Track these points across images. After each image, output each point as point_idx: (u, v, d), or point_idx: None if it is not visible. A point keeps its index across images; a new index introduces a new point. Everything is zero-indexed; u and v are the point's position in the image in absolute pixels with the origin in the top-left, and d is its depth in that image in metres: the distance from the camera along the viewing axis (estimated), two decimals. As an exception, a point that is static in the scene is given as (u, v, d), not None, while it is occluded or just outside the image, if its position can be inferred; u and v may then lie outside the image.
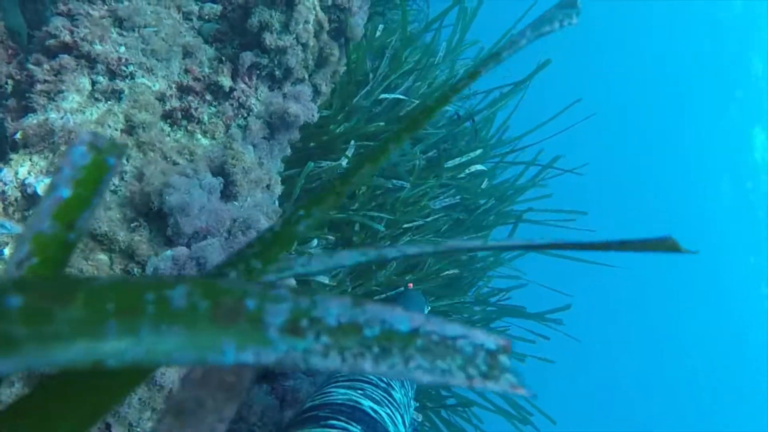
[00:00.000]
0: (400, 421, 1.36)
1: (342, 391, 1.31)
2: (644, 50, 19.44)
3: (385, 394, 1.40)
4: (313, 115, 2.08)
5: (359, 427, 1.14)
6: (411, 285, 2.82)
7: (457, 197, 2.84)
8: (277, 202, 2.06)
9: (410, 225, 2.72)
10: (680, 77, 19.40)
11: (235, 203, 1.85)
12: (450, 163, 2.86)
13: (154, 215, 1.72)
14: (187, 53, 2.07)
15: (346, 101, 2.68)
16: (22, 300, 0.23)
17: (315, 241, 2.45)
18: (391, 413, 1.33)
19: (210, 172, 1.92)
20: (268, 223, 1.94)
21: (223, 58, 2.12)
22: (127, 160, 1.86)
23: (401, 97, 2.67)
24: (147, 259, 1.64)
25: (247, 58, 2.12)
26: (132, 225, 1.71)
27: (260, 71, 2.17)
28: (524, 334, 3.14)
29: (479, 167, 3.03)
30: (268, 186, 2.04)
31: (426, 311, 2.64)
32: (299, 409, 1.25)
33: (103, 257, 1.64)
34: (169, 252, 1.61)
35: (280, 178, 2.13)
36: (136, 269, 1.64)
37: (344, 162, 2.50)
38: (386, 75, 2.62)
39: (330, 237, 2.48)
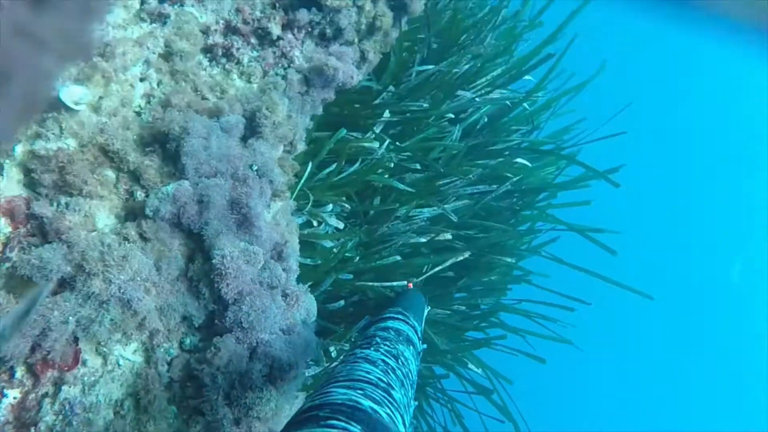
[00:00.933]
0: (400, 421, 1.35)
1: (342, 391, 1.31)
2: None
3: (385, 394, 1.39)
4: (352, 77, 2.03)
5: (359, 427, 1.13)
6: (410, 285, 2.80)
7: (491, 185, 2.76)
8: (291, 157, 2.03)
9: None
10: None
11: (253, 149, 1.81)
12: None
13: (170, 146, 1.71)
14: (242, -8, 2.04)
15: (397, 74, 2.61)
16: None
17: (330, 206, 2.41)
18: (391, 413, 1.31)
19: (242, 115, 1.90)
20: (283, 175, 1.91)
21: (278, 5, 2.08)
22: (158, 85, 1.85)
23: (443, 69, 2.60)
24: (152, 186, 1.63)
25: (303, 11, 2.08)
26: (147, 149, 1.70)
27: (312, 27, 2.13)
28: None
29: (522, 161, 2.94)
30: (291, 142, 2.00)
31: (426, 311, 2.60)
32: (299, 409, 1.25)
33: (110, 174, 1.64)
34: (170, 188, 1.59)
35: (305, 135, 2.09)
36: (139, 193, 1.63)
37: (371, 136, 2.44)
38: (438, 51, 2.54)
39: (346, 205, 2.43)
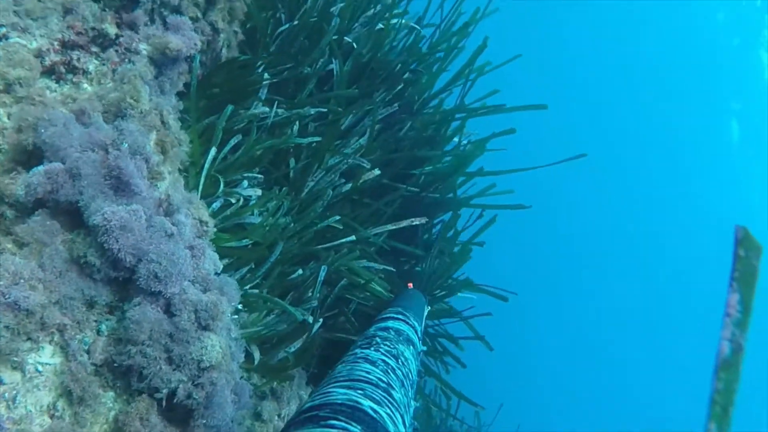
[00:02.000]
0: (400, 421, 1.35)
1: (342, 391, 1.31)
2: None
3: (385, 394, 1.39)
4: (195, 44, 2.02)
5: (359, 427, 1.14)
6: (411, 285, 2.79)
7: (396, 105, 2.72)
8: (172, 133, 2.01)
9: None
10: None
11: (121, 129, 1.79)
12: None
13: (34, 155, 1.70)
14: (67, 10, 2.06)
15: (264, 39, 2.61)
16: None
17: (245, 183, 2.38)
18: (391, 413, 1.32)
19: (104, 110, 1.90)
20: (157, 152, 1.88)
21: (107, 8, 2.10)
22: (8, 118, 1.86)
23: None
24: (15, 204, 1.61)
25: (134, 4, 2.10)
26: (11, 174, 1.69)
27: (148, 15, 2.14)
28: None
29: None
30: (162, 122, 1.99)
31: (426, 311, 2.60)
32: (299, 409, 1.25)
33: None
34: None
35: (175, 114, 2.08)
36: (8, 212, 1.61)
37: (259, 103, 2.43)
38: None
39: (259, 176, 2.40)
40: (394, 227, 2.77)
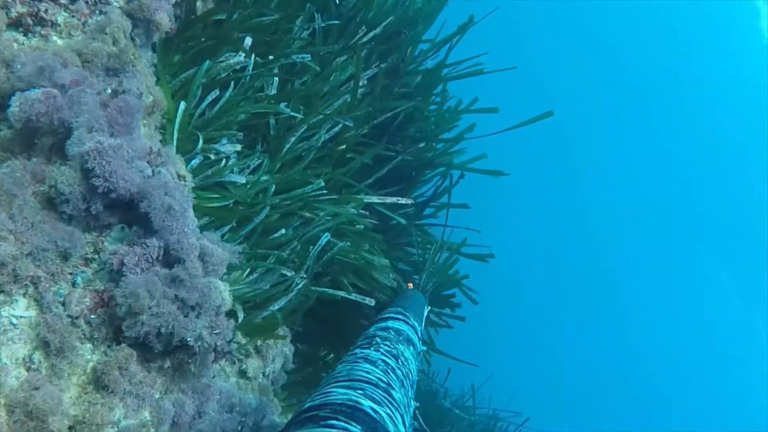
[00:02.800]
0: (400, 421, 1.36)
1: (342, 391, 1.32)
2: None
3: (385, 394, 1.40)
4: (168, -8, 1.96)
5: (359, 427, 1.14)
6: (411, 285, 2.82)
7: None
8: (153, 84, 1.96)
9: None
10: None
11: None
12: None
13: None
14: (32, -39, 1.98)
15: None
16: None
17: (224, 140, 2.34)
18: (391, 413, 1.32)
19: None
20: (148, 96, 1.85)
21: (74, -41, 2.03)
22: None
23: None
24: None
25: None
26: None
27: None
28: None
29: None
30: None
31: (426, 311, 2.61)
32: (299, 409, 1.26)
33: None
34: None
35: (148, 68, 2.02)
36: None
37: (241, 56, 2.37)
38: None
39: (239, 133, 2.36)
40: (379, 201, 2.75)
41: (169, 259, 1.57)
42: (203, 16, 2.32)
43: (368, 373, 1.48)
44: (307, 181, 2.53)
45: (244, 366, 2.33)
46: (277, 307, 2.39)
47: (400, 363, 1.70)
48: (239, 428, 1.72)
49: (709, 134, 21.74)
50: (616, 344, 21.96)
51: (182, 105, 2.19)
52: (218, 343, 1.46)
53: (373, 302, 2.46)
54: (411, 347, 1.94)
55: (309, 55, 2.49)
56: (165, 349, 1.51)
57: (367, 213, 2.75)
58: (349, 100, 2.68)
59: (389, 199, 2.79)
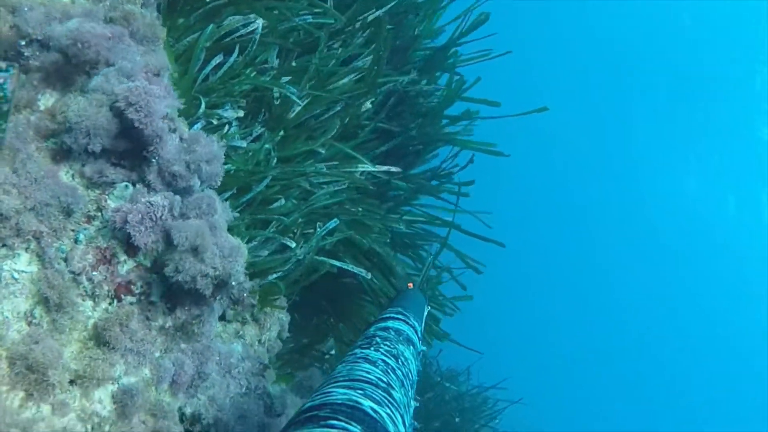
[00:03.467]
0: (400, 421, 1.36)
1: (342, 391, 1.32)
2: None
3: (385, 394, 1.40)
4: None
5: (359, 427, 1.14)
6: (411, 285, 2.80)
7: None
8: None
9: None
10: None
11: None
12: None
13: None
14: None
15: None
16: None
17: (227, 106, 2.32)
18: (391, 413, 1.32)
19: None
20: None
21: None
22: None
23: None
24: None
25: None
26: None
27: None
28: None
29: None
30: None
31: (426, 311, 2.60)
32: (299, 409, 1.26)
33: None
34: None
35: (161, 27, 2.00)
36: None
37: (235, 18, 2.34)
38: None
39: (242, 101, 2.34)
40: (373, 169, 2.74)
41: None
42: (209, -21, 2.29)
43: (368, 373, 1.48)
44: (309, 152, 2.52)
45: (241, 332, 2.35)
46: (275, 276, 2.40)
47: (400, 363, 1.71)
48: (241, 390, 1.73)
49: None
50: (612, 331, 22.37)
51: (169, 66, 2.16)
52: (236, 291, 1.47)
53: (369, 275, 2.47)
54: (411, 347, 1.95)
55: (310, 17, 2.46)
56: (212, 294, 1.51)
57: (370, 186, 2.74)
58: (354, 78, 2.66)
59: (382, 168, 2.76)
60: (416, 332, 2.16)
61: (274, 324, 2.46)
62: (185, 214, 1.51)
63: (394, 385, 1.50)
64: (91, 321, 1.46)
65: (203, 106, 2.22)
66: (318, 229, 2.40)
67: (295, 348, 2.90)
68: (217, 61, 2.33)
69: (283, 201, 2.48)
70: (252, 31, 2.36)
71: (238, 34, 2.36)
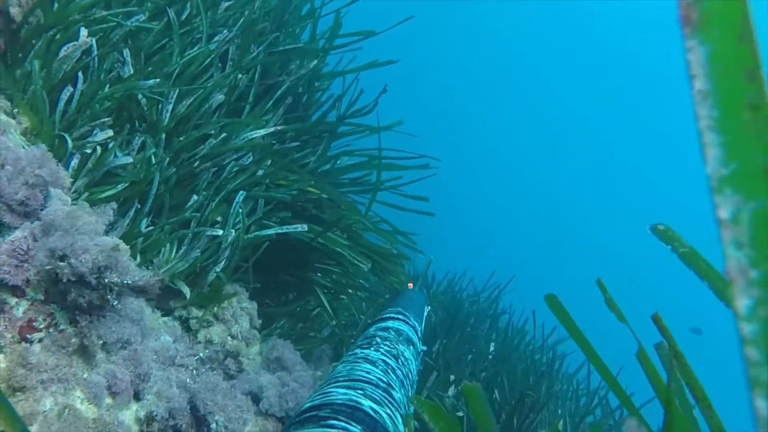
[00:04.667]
0: (400, 421, 1.36)
1: (342, 391, 1.31)
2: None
3: (385, 394, 1.39)
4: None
5: (359, 427, 1.14)
6: (411, 285, 2.82)
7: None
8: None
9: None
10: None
11: None
12: None
13: None
14: None
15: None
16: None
17: (96, 130, 2.27)
18: (391, 413, 1.32)
19: None
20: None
21: None
22: None
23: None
24: None
25: None
26: None
27: None
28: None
29: None
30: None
31: (426, 311, 2.59)
32: (299, 409, 1.26)
33: None
34: None
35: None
36: None
37: (80, 38, 2.28)
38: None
39: (106, 119, 2.29)
40: (264, 132, 2.68)
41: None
42: (23, 20, 2.23)
43: (368, 373, 1.47)
44: (201, 137, 2.47)
45: (209, 336, 2.33)
46: (219, 269, 2.37)
47: (400, 363, 1.71)
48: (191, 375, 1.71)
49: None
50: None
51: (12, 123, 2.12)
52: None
53: (305, 227, 2.43)
54: (411, 347, 1.95)
55: (143, 15, 2.40)
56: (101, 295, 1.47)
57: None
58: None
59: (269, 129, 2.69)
60: (416, 332, 2.15)
61: (239, 315, 2.44)
62: (47, 231, 1.47)
63: (394, 385, 1.51)
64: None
65: (70, 142, 2.18)
66: (232, 208, 2.36)
67: (282, 333, 2.88)
68: (68, 93, 2.28)
69: (195, 197, 2.44)
70: (88, 50, 2.31)
71: (76, 60, 2.31)
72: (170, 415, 1.55)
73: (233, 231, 2.39)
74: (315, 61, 2.74)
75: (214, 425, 1.70)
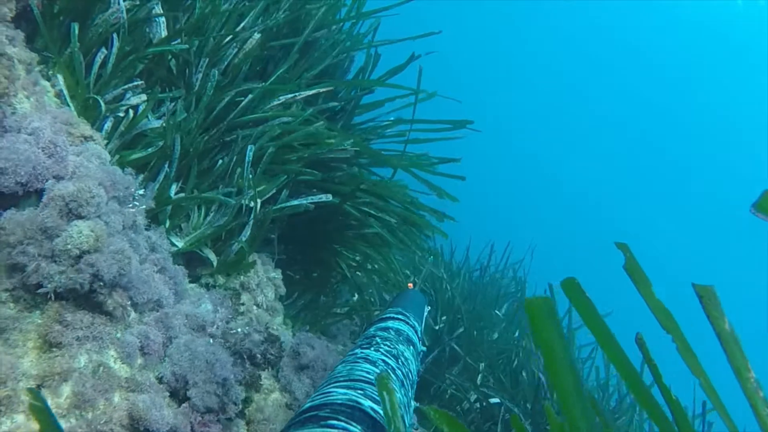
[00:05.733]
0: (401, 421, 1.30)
1: (342, 391, 1.32)
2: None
3: None
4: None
5: (359, 427, 1.15)
6: (411, 285, 2.81)
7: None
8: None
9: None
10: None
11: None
12: None
13: None
14: None
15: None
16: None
17: (128, 94, 2.27)
18: None
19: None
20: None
21: None
22: None
23: None
24: None
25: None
26: None
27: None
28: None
29: None
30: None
31: (426, 311, 2.58)
32: (299, 409, 1.27)
33: None
34: None
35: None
36: None
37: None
38: None
39: (138, 81, 2.29)
40: (307, 93, 2.67)
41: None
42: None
43: (368, 373, 1.48)
44: (232, 101, 2.46)
45: (239, 304, 2.34)
46: (244, 237, 2.37)
47: (401, 363, 1.71)
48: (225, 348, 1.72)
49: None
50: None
51: (61, 79, 2.12)
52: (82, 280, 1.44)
53: (330, 197, 2.42)
54: (411, 347, 1.95)
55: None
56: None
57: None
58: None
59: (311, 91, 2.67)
60: (416, 332, 2.15)
61: (265, 284, 2.45)
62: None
63: (394, 386, 1.50)
64: (38, 329, 1.46)
65: (103, 105, 2.18)
66: (246, 173, 2.33)
67: (304, 305, 2.89)
68: (102, 56, 2.27)
69: (221, 161, 2.43)
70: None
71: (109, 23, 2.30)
72: (184, 377, 1.56)
73: (259, 201, 2.39)
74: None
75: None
